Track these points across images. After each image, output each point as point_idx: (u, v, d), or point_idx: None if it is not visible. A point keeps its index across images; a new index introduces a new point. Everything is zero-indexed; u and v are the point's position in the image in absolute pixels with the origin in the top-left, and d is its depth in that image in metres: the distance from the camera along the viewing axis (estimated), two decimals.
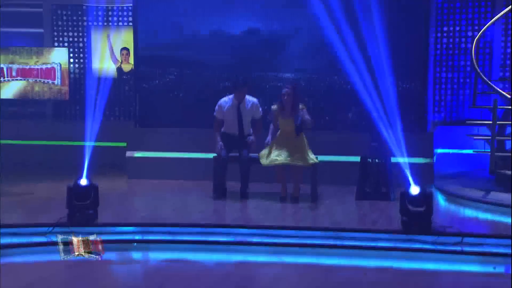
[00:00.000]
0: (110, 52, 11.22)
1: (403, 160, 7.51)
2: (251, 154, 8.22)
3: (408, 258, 6.07)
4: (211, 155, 8.46)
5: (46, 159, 11.29)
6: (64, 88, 11.39)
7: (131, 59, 10.74)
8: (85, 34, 11.36)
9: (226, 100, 8.41)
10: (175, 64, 9.96)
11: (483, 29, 9.39)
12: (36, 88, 11.44)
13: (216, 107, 8.40)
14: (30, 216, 6.98)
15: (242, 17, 9.77)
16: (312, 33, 9.49)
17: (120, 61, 11.23)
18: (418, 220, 6.34)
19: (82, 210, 6.62)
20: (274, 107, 8.16)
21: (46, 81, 11.40)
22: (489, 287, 5.53)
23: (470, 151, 9.96)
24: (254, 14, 9.75)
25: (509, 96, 8.79)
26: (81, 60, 11.62)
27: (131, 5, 10.40)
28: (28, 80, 11.44)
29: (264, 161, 7.98)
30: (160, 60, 9.97)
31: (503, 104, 9.09)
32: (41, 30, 11.66)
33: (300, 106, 8.01)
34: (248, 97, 8.39)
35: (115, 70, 11.26)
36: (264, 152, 8.07)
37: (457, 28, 10.34)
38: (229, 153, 8.22)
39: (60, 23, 11.61)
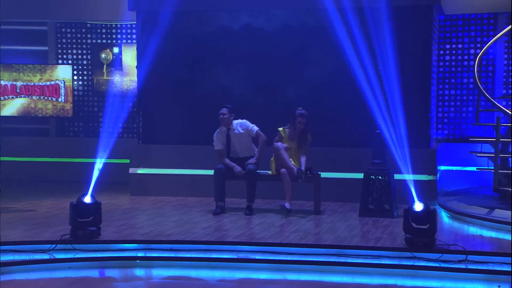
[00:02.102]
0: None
1: (406, 177, 7.50)
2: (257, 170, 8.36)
3: (412, 275, 6.03)
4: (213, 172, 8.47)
5: (49, 175, 11.30)
6: (68, 105, 11.43)
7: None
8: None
9: (218, 131, 8.57)
10: (178, 81, 9.99)
11: (485, 47, 9.40)
12: (40, 105, 11.48)
13: (213, 139, 8.56)
14: (32, 233, 6.95)
15: (246, 35, 9.78)
16: (318, 50, 9.52)
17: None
18: (421, 237, 6.32)
19: (85, 227, 6.60)
20: (282, 129, 8.38)
21: (49, 98, 11.44)
22: None
23: (473, 168, 9.95)
24: (259, 31, 9.77)
25: (510, 113, 8.78)
26: (85, 77, 11.68)
27: (135, 23, 10.45)
28: (32, 97, 11.48)
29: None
30: (163, 77, 10.00)
31: (506, 121, 9.09)
32: (46, 48, 11.73)
33: (308, 136, 8.33)
34: (235, 121, 8.52)
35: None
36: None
37: (460, 46, 10.39)
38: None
39: (64, 40, 11.70)
